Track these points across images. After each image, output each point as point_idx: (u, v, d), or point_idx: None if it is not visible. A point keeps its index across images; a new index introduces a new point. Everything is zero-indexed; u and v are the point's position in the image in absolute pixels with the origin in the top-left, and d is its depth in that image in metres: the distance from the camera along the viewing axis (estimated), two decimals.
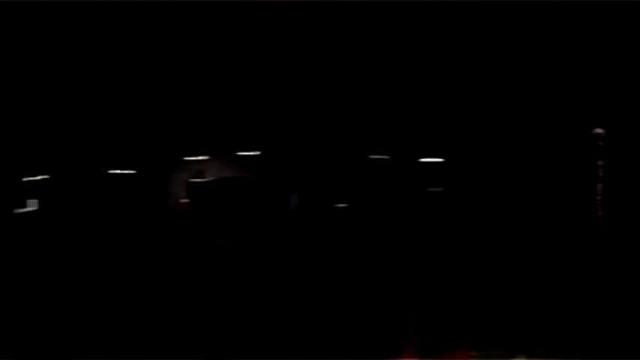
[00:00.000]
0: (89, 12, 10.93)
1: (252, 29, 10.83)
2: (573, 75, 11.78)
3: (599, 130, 11.25)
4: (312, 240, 11.37)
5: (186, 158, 10.75)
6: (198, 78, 10.70)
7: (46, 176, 10.69)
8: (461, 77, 11.23)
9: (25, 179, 10.59)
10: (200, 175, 10.83)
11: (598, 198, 11.19)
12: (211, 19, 11.09)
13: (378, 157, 11.27)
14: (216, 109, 10.93)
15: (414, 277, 10.84)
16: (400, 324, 10.48)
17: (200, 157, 10.82)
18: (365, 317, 10.55)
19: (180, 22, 10.97)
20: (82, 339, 10.03)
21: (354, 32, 11.17)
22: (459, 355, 10.06)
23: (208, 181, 10.98)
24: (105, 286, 10.49)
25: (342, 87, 11.11)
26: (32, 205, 10.71)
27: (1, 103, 10.59)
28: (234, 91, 10.81)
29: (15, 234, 10.71)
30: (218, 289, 10.58)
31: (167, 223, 10.93)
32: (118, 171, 10.71)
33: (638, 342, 9.43)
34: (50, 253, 10.84)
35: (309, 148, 11.15)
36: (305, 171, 11.21)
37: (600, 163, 11.12)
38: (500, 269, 10.86)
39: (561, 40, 11.84)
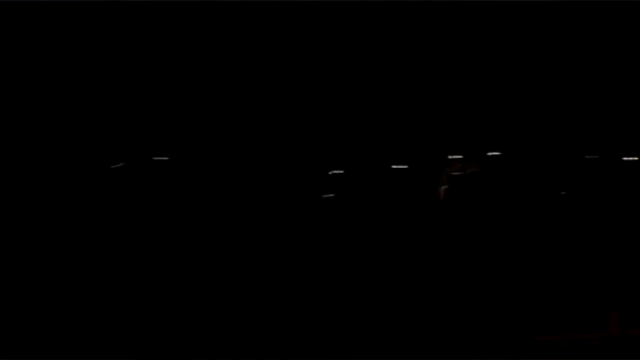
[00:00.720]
0: None
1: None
2: None
3: None
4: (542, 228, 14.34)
5: (449, 157, 13.81)
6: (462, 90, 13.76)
7: (341, 171, 13.74)
8: None
9: (329, 172, 13.65)
10: (461, 170, 13.86)
11: None
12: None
13: (592, 156, 14.34)
14: (471, 118, 13.98)
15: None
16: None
17: (459, 156, 13.87)
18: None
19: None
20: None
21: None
22: None
23: (464, 174, 14.00)
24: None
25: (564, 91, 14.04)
26: (332, 194, 13.77)
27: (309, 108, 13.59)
28: (488, 102, 13.91)
29: (320, 214, 13.73)
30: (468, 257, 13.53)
31: (433, 207, 13.93)
32: (398, 166, 13.75)
33: None
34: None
35: (541, 149, 14.20)
36: (536, 169, 14.25)
37: None
38: None
39: None
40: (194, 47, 13.15)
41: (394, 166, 13.66)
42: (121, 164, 12.99)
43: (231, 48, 13.19)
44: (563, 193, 14.05)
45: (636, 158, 14.42)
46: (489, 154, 13.83)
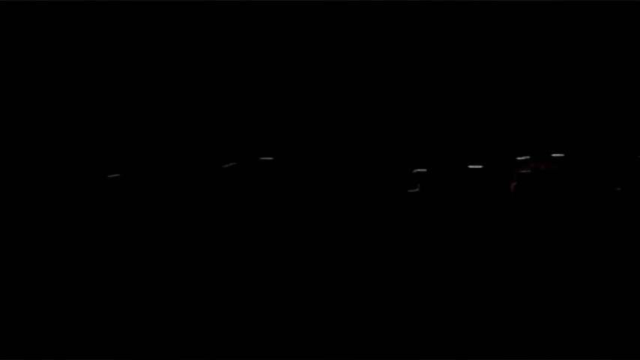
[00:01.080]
0: None
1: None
2: None
3: None
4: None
5: (519, 158, 15.67)
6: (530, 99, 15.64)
7: (424, 170, 15.58)
8: None
9: (414, 170, 15.51)
10: (532, 169, 15.69)
11: None
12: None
13: None
14: (540, 124, 15.84)
15: None
16: None
17: (527, 157, 15.72)
18: None
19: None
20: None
21: None
22: None
23: (531, 172, 15.84)
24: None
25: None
26: (416, 188, 15.62)
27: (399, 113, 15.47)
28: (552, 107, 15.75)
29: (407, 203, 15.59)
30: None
31: (504, 200, 15.80)
32: (474, 166, 15.60)
33: None
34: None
35: (599, 151, 16.03)
36: (595, 168, 16.09)
37: None
38: None
39: None
40: (299, 59, 14.90)
41: (470, 166, 15.48)
42: (232, 164, 14.82)
43: (334, 59, 14.83)
44: (618, 189, 15.82)
45: None
46: (553, 155, 15.65)
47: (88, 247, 13.66)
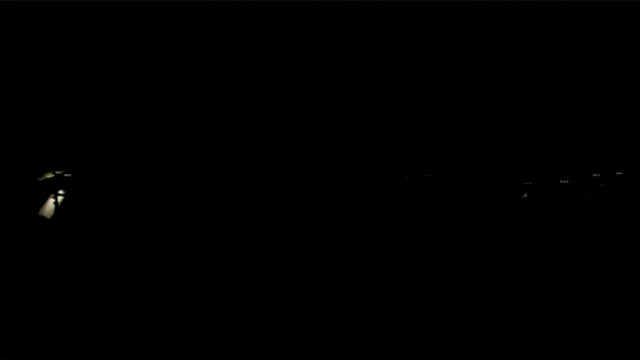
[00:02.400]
0: None
1: None
2: None
3: None
4: None
5: (594, 175, 23.45)
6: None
7: (530, 182, 23.35)
8: None
9: (524, 183, 23.30)
10: (600, 183, 23.43)
11: None
12: None
13: None
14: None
15: None
16: None
17: (598, 174, 23.51)
18: None
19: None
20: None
21: None
22: None
23: (601, 186, 23.58)
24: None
25: None
26: (524, 196, 23.40)
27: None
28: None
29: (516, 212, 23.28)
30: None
31: (583, 206, 23.42)
32: (564, 181, 23.41)
33: None
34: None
35: None
36: None
37: None
38: None
39: None
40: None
41: (561, 181, 23.37)
42: (405, 178, 22.39)
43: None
44: None
45: None
46: (617, 173, 23.49)
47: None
